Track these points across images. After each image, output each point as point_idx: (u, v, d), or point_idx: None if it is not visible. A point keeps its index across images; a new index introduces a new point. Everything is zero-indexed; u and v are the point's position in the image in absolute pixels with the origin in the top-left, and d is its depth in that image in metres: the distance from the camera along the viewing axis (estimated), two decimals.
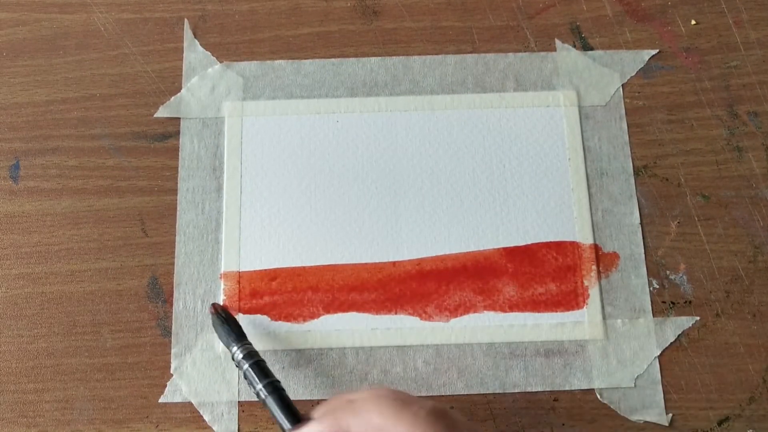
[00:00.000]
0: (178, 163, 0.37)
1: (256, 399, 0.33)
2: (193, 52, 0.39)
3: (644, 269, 0.35)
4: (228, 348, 0.32)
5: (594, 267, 0.35)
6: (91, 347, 0.34)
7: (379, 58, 0.38)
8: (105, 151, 0.37)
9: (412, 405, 0.26)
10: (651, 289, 0.35)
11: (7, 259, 0.35)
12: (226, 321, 0.32)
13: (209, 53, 0.38)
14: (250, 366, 0.30)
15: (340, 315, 0.34)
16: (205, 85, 0.38)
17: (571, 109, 0.37)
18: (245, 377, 0.30)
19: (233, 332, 0.31)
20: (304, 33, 0.39)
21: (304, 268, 0.35)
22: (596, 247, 0.35)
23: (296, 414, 0.29)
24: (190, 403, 0.33)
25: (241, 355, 0.31)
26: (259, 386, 0.30)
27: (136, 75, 0.38)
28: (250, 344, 0.31)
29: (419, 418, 0.25)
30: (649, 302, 0.34)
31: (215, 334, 0.33)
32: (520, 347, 0.34)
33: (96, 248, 0.35)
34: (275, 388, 0.30)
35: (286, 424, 0.28)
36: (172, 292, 0.35)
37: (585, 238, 0.35)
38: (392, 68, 0.38)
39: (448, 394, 0.33)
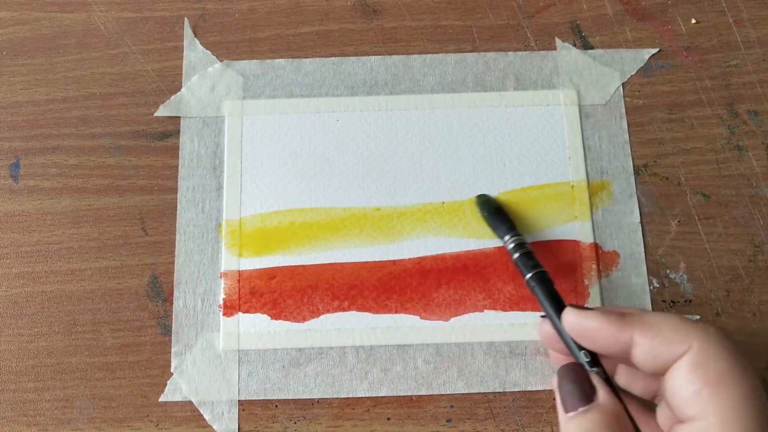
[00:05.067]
0: (178, 162, 0.37)
1: (257, 398, 0.33)
2: (193, 51, 0.39)
3: (644, 268, 0.35)
4: (500, 237, 0.33)
5: (594, 266, 0.35)
6: (91, 346, 0.34)
7: (380, 57, 0.38)
8: (105, 150, 0.37)
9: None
10: (651, 287, 0.35)
11: (7, 258, 0.35)
12: (498, 212, 0.34)
13: (209, 52, 0.38)
14: (519, 256, 0.32)
15: (339, 314, 0.34)
16: (205, 83, 0.38)
17: (572, 108, 0.37)
18: (515, 265, 0.32)
19: (505, 224, 0.34)
20: (305, 32, 0.39)
21: (303, 266, 0.35)
22: (596, 246, 0.35)
23: (561, 303, 0.30)
24: (191, 402, 0.33)
25: (512, 245, 0.32)
26: (527, 276, 0.31)
27: (136, 74, 0.38)
28: (521, 235, 0.33)
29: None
30: (650, 301, 0.34)
31: (216, 333, 0.33)
32: (520, 346, 0.34)
33: (96, 247, 0.35)
34: (542, 279, 0.31)
35: (551, 312, 0.29)
36: (173, 290, 0.35)
37: (585, 236, 0.35)
38: (392, 67, 0.38)
39: (448, 392, 0.33)
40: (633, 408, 0.27)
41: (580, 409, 0.26)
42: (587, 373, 0.27)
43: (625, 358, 0.27)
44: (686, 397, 0.24)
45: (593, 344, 0.27)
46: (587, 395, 0.26)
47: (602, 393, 0.26)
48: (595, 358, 0.28)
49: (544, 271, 0.31)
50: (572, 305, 0.28)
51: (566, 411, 0.26)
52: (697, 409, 0.24)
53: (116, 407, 0.33)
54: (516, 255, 0.32)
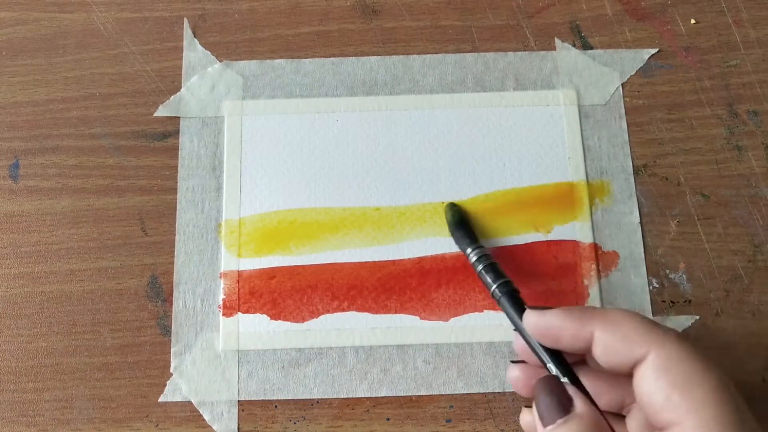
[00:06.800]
0: (177, 162, 0.37)
1: (256, 398, 0.33)
2: (193, 51, 0.39)
3: (644, 268, 0.35)
4: (463, 251, 0.33)
5: (593, 266, 0.35)
6: (90, 346, 0.34)
7: (379, 57, 0.38)
8: (105, 150, 0.37)
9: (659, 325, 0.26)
10: (651, 288, 0.35)
11: (7, 259, 0.35)
12: (460, 225, 0.34)
13: (209, 52, 0.38)
14: (483, 268, 0.31)
15: (339, 314, 0.34)
16: (205, 84, 0.38)
17: (571, 108, 0.37)
18: (479, 277, 0.32)
19: (467, 237, 0.33)
20: (304, 32, 0.39)
21: (303, 266, 0.35)
22: (596, 246, 0.35)
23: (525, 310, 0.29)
24: (190, 402, 0.33)
25: (475, 258, 0.32)
26: (493, 287, 0.31)
27: (135, 74, 0.38)
28: (483, 247, 0.32)
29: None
30: (649, 301, 0.34)
31: (216, 333, 0.33)
32: None
33: (96, 247, 0.35)
34: (506, 289, 0.30)
35: (518, 322, 0.29)
36: (172, 291, 0.35)
37: (584, 237, 0.35)
38: (392, 67, 0.38)
39: (447, 393, 0.33)
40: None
41: (558, 422, 0.25)
42: (563, 384, 0.26)
43: (590, 358, 0.27)
44: (658, 405, 0.24)
45: (557, 343, 0.27)
46: (564, 406, 0.25)
47: (579, 402, 0.25)
48: (568, 369, 0.27)
49: (508, 281, 0.30)
50: (532, 307, 0.28)
51: (544, 425, 0.25)
52: (671, 415, 0.23)
53: (116, 407, 0.33)
54: (480, 267, 0.31)
